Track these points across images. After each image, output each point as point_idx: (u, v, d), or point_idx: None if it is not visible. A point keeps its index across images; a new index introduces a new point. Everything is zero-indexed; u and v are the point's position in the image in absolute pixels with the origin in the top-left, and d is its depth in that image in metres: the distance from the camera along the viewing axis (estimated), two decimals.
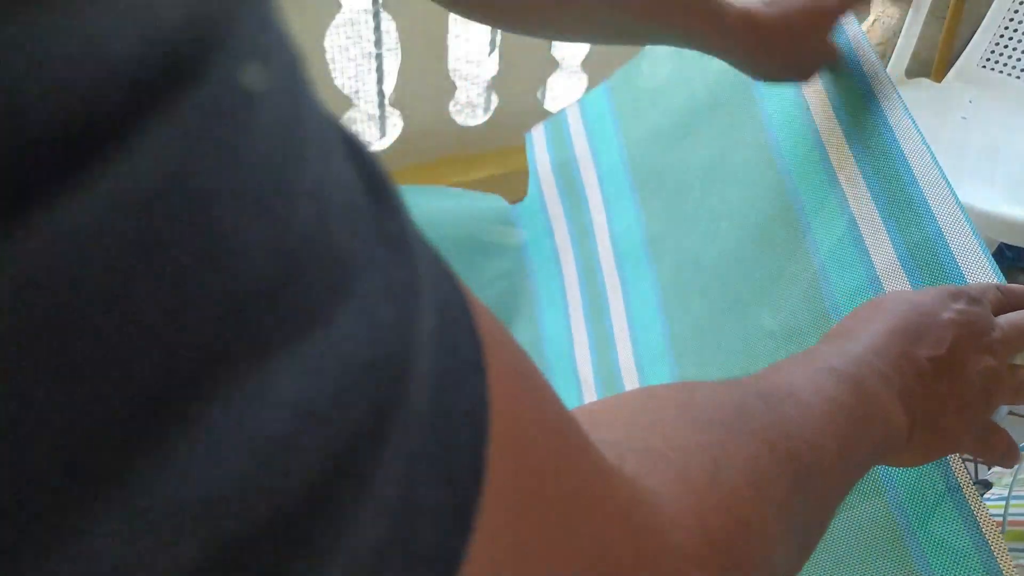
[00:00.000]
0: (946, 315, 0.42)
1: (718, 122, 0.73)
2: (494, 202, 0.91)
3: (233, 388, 0.11)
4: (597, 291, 0.79)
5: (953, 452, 0.44)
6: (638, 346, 0.73)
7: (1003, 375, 0.43)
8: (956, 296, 0.43)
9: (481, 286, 0.87)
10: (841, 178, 0.61)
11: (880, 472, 0.49)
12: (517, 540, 0.18)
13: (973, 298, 0.43)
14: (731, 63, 0.61)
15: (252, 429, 0.11)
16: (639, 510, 0.23)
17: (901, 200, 0.55)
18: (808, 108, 0.65)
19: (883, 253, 0.56)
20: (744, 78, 0.63)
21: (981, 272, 0.49)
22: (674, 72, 0.80)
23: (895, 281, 0.54)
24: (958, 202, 0.52)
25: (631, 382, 0.72)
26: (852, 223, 0.58)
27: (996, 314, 0.45)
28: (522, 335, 0.84)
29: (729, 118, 0.72)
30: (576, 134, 0.87)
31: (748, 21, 0.57)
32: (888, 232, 0.56)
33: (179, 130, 0.10)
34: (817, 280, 0.59)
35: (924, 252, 0.53)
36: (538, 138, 0.91)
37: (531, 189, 0.90)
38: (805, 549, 0.34)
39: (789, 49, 0.60)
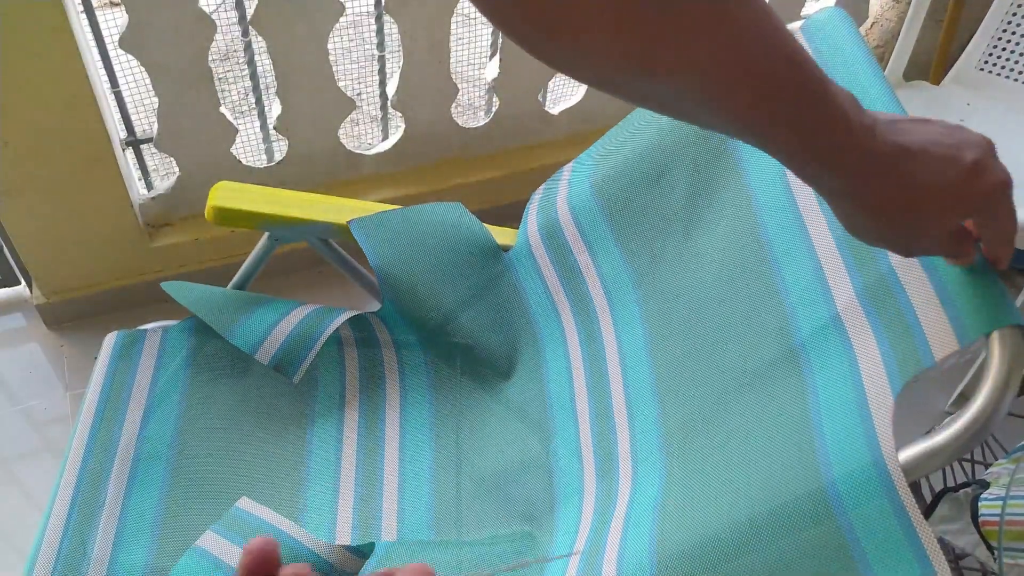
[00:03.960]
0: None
1: (689, 160, 0.73)
2: (457, 209, 0.91)
3: None
4: (592, 329, 0.81)
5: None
6: (628, 385, 0.75)
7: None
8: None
9: (476, 294, 0.88)
10: (807, 217, 0.62)
11: (830, 497, 0.50)
12: None
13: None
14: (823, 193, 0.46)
15: None
16: None
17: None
18: None
19: (843, 291, 0.57)
20: None
21: (931, 309, 0.51)
22: (638, 111, 0.80)
23: (855, 319, 0.55)
24: None
25: (621, 421, 0.73)
26: (817, 263, 0.60)
27: None
28: (527, 373, 0.85)
29: (702, 156, 0.72)
30: (560, 195, 0.87)
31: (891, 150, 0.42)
32: (847, 270, 0.58)
33: None
34: (787, 319, 0.60)
35: (880, 290, 0.55)
36: (534, 202, 0.91)
37: (519, 237, 0.90)
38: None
39: (914, 214, 0.45)
